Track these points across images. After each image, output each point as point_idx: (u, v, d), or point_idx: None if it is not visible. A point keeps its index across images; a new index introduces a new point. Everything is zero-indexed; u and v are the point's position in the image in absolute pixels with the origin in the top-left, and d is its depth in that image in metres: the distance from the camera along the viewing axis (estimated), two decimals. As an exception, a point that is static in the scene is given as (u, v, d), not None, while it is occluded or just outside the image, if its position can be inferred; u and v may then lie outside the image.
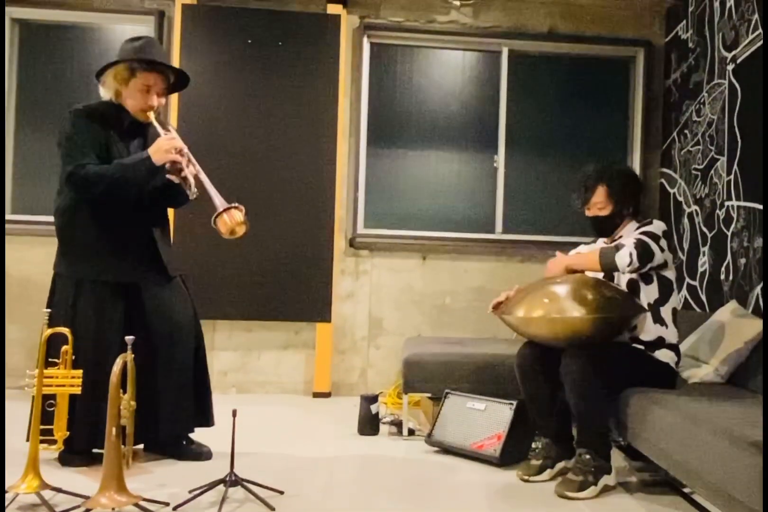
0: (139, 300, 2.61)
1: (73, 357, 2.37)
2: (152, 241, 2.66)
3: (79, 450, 2.56)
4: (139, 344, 2.53)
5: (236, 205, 2.42)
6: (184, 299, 2.73)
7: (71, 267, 2.56)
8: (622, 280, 2.65)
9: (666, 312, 2.61)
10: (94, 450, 2.60)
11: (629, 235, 2.63)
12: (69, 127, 2.52)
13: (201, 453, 2.69)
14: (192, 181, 2.52)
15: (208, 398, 2.76)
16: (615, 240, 2.75)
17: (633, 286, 2.62)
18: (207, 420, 2.76)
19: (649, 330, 2.60)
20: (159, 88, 2.60)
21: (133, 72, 2.55)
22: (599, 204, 2.71)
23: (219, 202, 2.41)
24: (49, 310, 2.27)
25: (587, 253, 2.62)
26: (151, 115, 2.58)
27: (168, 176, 2.56)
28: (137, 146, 2.64)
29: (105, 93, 2.59)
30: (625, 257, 2.47)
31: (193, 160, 2.57)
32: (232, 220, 2.38)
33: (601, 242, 2.84)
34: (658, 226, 2.60)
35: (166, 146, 2.49)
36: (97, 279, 2.54)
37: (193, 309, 2.76)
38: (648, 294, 2.60)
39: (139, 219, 2.63)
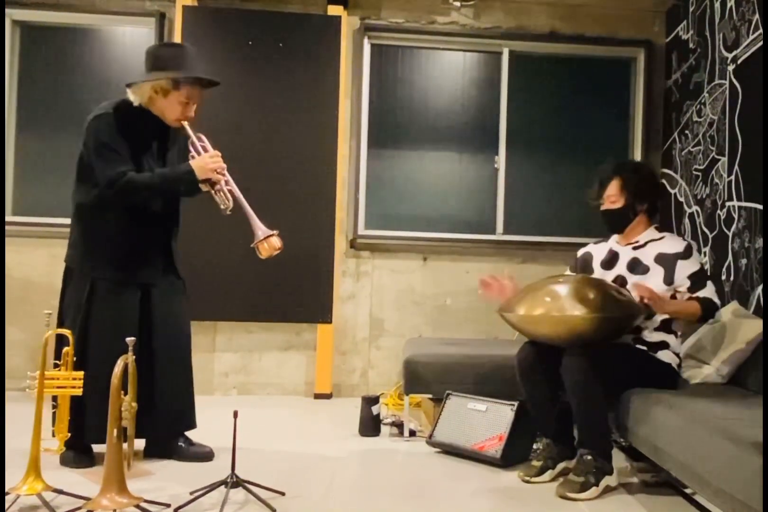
0: (151, 300, 2.64)
1: (87, 353, 2.44)
2: (168, 243, 2.71)
3: (83, 448, 2.58)
4: (143, 343, 2.57)
5: (276, 231, 2.58)
6: (185, 301, 2.77)
7: (88, 264, 2.57)
8: (628, 286, 2.64)
9: (677, 324, 2.62)
10: (95, 451, 2.61)
11: (678, 264, 2.58)
12: (102, 132, 2.51)
13: (202, 454, 2.69)
14: (228, 198, 2.61)
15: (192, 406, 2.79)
16: (631, 243, 2.71)
17: None
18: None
19: (654, 335, 2.61)
20: (198, 100, 2.65)
21: (176, 85, 2.57)
22: (612, 197, 2.70)
23: (261, 230, 2.56)
24: (49, 312, 2.26)
25: (685, 303, 2.56)
26: (186, 125, 2.62)
27: (201, 186, 2.62)
28: (156, 148, 2.66)
29: (135, 98, 2.59)
30: (716, 318, 2.66)
31: (231, 180, 2.64)
32: (272, 247, 2.58)
33: (614, 241, 2.80)
34: (696, 251, 2.64)
35: (212, 165, 2.56)
36: (115, 279, 2.56)
37: (189, 313, 2.81)
38: None
39: (157, 220, 2.67)
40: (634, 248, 2.70)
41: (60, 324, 2.59)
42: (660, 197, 2.77)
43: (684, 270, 2.58)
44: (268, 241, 2.57)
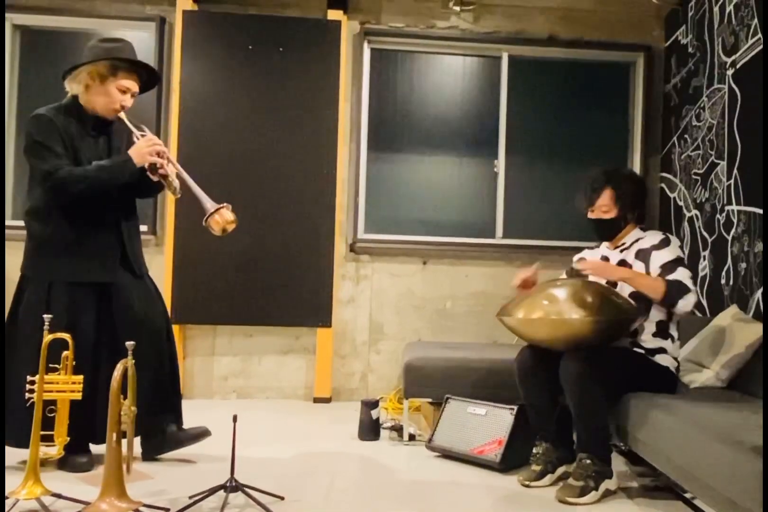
0: (111, 300, 2.61)
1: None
2: (121, 240, 2.66)
3: (82, 451, 2.56)
4: (110, 344, 2.56)
5: (225, 204, 2.50)
6: (154, 298, 2.73)
7: (42, 268, 2.55)
8: (625, 290, 2.64)
9: (674, 327, 2.62)
10: (94, 453, 2.60)
11: (653, 254, 2.60)
12: (36, 131, 2.53)
13: (200, 432, 2.69)
14: (175, 181, 2.58)
15: (178, 400, 2.75)
16: (619, 246, 2.75)
17: (643, 298, 2.58)
18: (177, 420, 2.74)
19: (651, 341, 2.61)
20: (134, 89, 2.64)
21: (114, 71, 2.57)
22: (604, 207, 2.70)
23: (209, 204, 2.49)
24: (50, 316, 2.26)
25: (647, 276, 2.56)
26: (123, 115, 2.60)
27: (149, 174, 2.59)
28: (103, 144, 2.66)
29: (73, 87, 2.61)
30: (689, 305, 2.46)
31: (174, 160, 2.62)
32: (223, 219, 2.49)
33: (604, 247, 2.84)
34: (677, 246, 2.61)
35: (147, 149, 2.52)
36: (70, 280, 2.54)
37: (164, 308, 2.76)
38: (662, 309, 2.60)
39: (109, 219, 2.63)
40: (622, 250, 2.74)
41: (11, 328, 2.55)
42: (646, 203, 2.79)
43: (657, 260, 2.59)
44: (219, 214, 2.47)
